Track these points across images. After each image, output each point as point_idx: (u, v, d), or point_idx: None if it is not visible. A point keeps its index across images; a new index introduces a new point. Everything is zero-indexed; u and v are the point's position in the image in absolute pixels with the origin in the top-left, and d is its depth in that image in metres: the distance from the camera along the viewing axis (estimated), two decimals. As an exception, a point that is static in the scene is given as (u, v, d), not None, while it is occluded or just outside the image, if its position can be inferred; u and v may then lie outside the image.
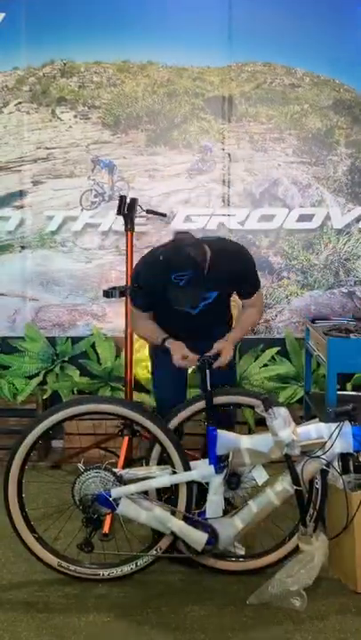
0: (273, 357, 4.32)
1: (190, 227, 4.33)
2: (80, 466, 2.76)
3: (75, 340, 4.41)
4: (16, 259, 4.40)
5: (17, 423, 4.17)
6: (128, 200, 3.69)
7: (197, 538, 2.67)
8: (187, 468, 2.73)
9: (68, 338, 4.40)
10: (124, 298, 3.68)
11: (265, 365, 4.29)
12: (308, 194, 4.35)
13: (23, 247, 4.40)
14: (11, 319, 4.44)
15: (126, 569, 2.79)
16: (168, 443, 2.75)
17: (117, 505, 2.67)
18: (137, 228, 3.80)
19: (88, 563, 2.82)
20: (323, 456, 2.64)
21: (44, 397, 4.23)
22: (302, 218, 4.35)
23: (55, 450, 4.35)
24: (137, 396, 3.99)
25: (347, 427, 2.65)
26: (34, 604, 2.64)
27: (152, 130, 4.35)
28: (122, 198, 3.68)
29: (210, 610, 2.61)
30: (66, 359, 4.36)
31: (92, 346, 4.36)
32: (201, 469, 2.71)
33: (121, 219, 3.75)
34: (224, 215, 4.34)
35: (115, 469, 2.75)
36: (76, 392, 4.25)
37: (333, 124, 4.32)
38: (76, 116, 4.37)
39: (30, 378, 4.28)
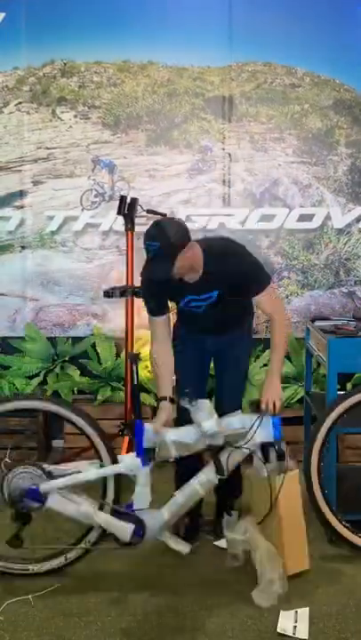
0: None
1: (191, 226, 4.32)
2: (7, 461, 2.77)
3: (75, 340, 4.41)
4: (16, 259, 4.41)
5: (17, 423, 4.17)
6: (128, 200, 3.69)
7: (124, 529, 2.71)
8: (114, 460, 2.78)
9: (68, 338, 4.40)
10: (124, 298, 3.68)
11: (265, 365, 4.28)
12: (309, 194, 4.35)
13: (23, 247, 4.40)
14: (11, 319, 4.44)
15: (55, 562, 2.82)
16: (95, 436, 2.81)
17: (46, 499, 2.69)
18: (137, 228, 3.80)
19: (17, 558, 2.84)
20: (245, 446, 2.71)
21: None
22: (303, 218, 4.35)
23: (55, 449, 4.35)
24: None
25: (267, 417, 2.75)
26: (35, 604, 2.63)
27: (152, 130, 4.35)
28: (122, 198, 3.69)
29: (210, 610, 2.61)
30: (66, 359, 4.36)
31: (93, 346, 4.36)
32: (128, 462, 2.75)
33: (121, 218, 3.76)
34: (224, 215, 4.34)
35: (44, 465, 2.79)
36: (76, 392, 4.25)
37: (334, 123, 4.32)
38: (76, 116, 4.37)
39: (31, 378, 4.28)
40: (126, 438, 3.67)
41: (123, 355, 4.12)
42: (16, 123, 4.36)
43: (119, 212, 3.68)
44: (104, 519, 2.73)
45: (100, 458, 2.79)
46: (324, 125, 4.32)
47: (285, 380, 4.22)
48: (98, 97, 4.36)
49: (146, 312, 2.96)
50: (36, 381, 4.25)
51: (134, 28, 4.23)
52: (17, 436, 4.17)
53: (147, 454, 2.72)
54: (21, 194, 4.37)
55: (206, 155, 4.35)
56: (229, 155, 4.35)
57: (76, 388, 4.25)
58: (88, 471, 2.76)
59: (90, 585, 2.77)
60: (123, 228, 3.74)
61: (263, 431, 2.73)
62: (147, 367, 4.30)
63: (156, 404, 4.12)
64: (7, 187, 4.37)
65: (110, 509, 2.76)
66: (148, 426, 2.75)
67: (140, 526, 2.71)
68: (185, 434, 2.76)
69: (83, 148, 4.37)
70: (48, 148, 4.36)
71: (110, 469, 2.77)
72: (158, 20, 4.22)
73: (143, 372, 4.25)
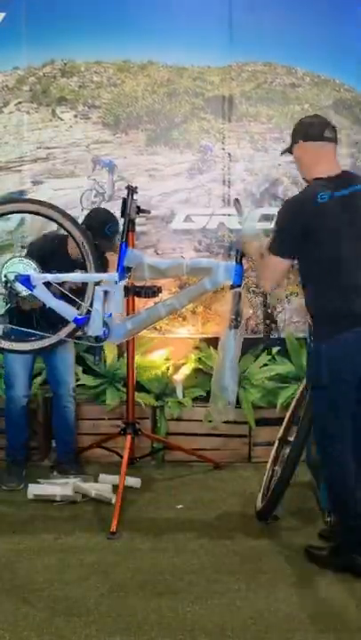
0: (273, 357, 4.32)
1: (190, 226, 4.34)
2: None
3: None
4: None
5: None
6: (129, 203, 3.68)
7: (97, 327, 3.08)
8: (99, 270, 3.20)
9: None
10: (125, 298, 3.68)
11: (265, 365, 4.29)
12: (309, 193, 4.34)
13: (23, 247, 4.39)
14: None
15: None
16: (82, 242, 3.13)
17: (35, 287, 3.06)
18: (137, 228, 3.80)
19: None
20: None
21: (46, 396, 4.23)
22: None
23: (55, 449, 4.34)
24: (137, 396, 3.99)
25: (231, 263, 3.09)
26: (34, 604, 2.64)
27: (152, 129, 4.35)
28: (125, 200, 3.68)
29: (210, 609, 2.61)
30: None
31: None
32: (107, 276, 3.16)
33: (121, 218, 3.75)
34: (224, 215, 4.34)
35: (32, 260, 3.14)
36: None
37: (334, 123, 4.31)
38: (76, 116, 4.37)
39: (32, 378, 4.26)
40: (129, 437, 3.67)
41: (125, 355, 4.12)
42: (16, 122, 4.36)
43: (122, 215, 3.68)
44: None
45: (85, 268, 3.12)
46: (324, 125, 4.31)
47: (285, 379, 4.22)
48: (98, 97, 4.36)
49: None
50: (38, 380, 4.24)
51: (134, 27, 4.23)
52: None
53: (125, 272, 3.18)
54: (21, 194, 4.37)
55: (206, 154, 4.35)
56: (229, 154, 4.35)
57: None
58: (75, 276, 3.20)
59: (90, 585, 2.78)
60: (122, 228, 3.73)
61: (225, 274, 3.08)
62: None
63: (156, 404, 4.14)
64: (7, 186, 4.37)
65: (86, 310, 3.10)
66: (130, 249, 3.24)
67: (106, 328, 3.11)
68: (160, 261, 3.29)
69: (83, 148, 4.37)
70: (48, 148, 4.36)
71: (91, 277, 3.12)
72: (158, 19, 4.22)
73: (145, 373, 4.26)
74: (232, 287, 3.29)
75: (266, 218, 4.35)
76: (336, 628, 2.49)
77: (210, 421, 3.45)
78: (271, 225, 4.32)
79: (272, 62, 4.32)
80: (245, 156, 4.34)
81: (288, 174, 4.35)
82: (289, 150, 2.94)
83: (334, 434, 2.80)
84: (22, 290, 3.10)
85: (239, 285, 3.17)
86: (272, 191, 4.35)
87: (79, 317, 3.26)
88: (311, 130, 2.80)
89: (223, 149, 4.34)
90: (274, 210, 4.34)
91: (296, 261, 2.83)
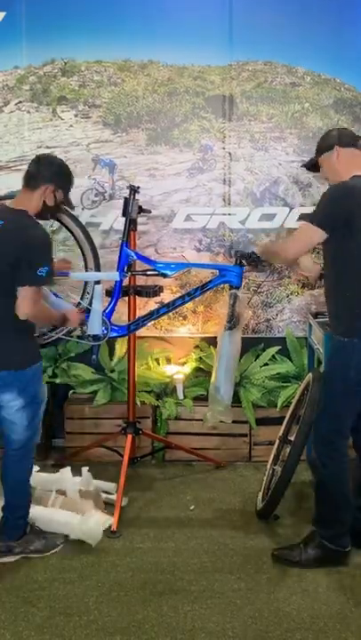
0: (274, 356, 4.32)
1: (191, 225, 4.34)
2: None
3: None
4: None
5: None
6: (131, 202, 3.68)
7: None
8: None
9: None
10: (126, 298, 3.68)
11: (265, 364, 4.29)
12: (309, 193, 4.34)
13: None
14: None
15: None
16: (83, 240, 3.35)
17: None
18: (138, 228, 3.80)
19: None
20: None
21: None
22: (303, 217, 4.34)
23: (56, 449, 4.35)
24: (138, 396, 4.00)
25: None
26: (35, 603, 2.64)
27: (153, 129, 4.35)
28: (126, 200, 3.68)
29: (210, 609, 2.61)
30: (73, 355, 4.33)
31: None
32: (112, 274, 3.44)
33: (121, 217, 3.75)
34: (225, 214, 4.33)
35: None
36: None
37: (334, 123, 4.31)
38: (76, 115, 4.37)
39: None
40: (129, 437, 3.67)
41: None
42: (16, 122, 4.36)
43: (124, 214, 3.68)
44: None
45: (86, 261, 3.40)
46: (324, 124, 4.31)
47: (286, 379, 4.22)
48: (98, 96, 4.36)
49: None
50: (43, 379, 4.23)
51: (135, 27, 4.22)
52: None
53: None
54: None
55: (207, 154, 4.34)
56: (230, 154, 4.34)
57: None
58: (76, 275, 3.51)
59: (90, 584, 2.78)
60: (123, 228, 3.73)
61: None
62: (146, 364, 4.32)
63: (155, 405, 4.15)
64: (8, 186, 4.36)
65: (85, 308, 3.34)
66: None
67: (105, 327, 3.36)
68: None
69: (83, 148, 4.36)
70: (48, 148, 4.35)
71: (92, 275, 3.47)
72: (159, 19, 4.21)
73: (145, 372, 4.26)
74: (231, 288, 3.32)
75: (266, 218, 4.36)
76: (336, 628, 2.50)
77: (210, 420, 3.45)
78: (271, 224, 4.35)
79: (272, 61, 4.31)
80: (246, 156, 4.33)
81: (288, 174, 4.34)
82: (313, 164, 3.05)
83: (343, 431, 2.89)
84: None
85: (238, 287, 3.23)
86: (272, 190, 4.34)
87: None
88: (346, 138, 2.93)
89: (224, 149, 4.34)
90: (274, 209, 4.35)
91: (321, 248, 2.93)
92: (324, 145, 2.97)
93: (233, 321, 3.31)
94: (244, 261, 3.38)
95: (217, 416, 3.39)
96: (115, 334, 3.43)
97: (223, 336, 3.33)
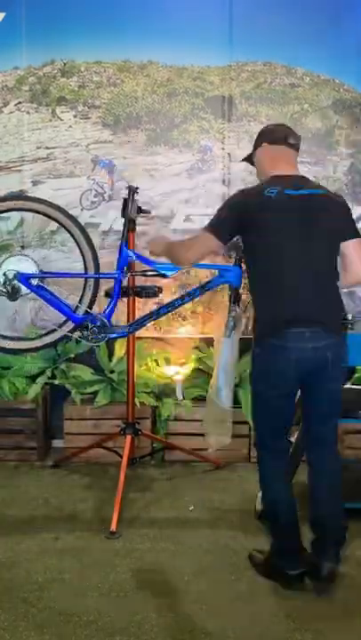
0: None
1: (190, 226, 4.34)
2: None
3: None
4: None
5: (17, 423, 4.18)
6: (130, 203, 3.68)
7: None
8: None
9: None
10: (125, 298, 3.68)
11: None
12: (309, 193, 4.34)
13: (23, 247, 4.39)
14: (11, 319, 4.43)
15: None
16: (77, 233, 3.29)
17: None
18: (137, 228, 3.80)
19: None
20: None
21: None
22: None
23: (56, 449, 4.35)
24: (138, 397, 3.99)
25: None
26: (35, 604, 2.64)
27: (152, 129, 4.35)
28: (125, 200, 3.68)
29: (210, 609, 2.61)
30: (72, 355, 4.33)
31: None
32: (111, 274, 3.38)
33: (120, 218, 3.75)
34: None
35: None
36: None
37: (333, 123, 4.33)
38: (76, 116, 4.37)
39: (33, 378, 4.27)
40: (129, 437, 3.67)
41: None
42: (16, 122, 4.36)
43: (123, 215, 3.68)
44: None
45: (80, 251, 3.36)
46: (323, 125, 4.32)
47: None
48: (98, 97, 4.36)
49: None
50: (42, 379, 4.24)
51: (134, 27, 4.23)
52: (17, 435, 4.18)
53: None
54: (21, 193, 4.37)
55: (206, 154, 4.35)
56: (229, 154, 4.35)
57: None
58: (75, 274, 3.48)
59: (90, 585, 2.78)
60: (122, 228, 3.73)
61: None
62: (146, 365, 4.32)
63: (156, 404, 4.14)
64: (7, 186, 4.37)
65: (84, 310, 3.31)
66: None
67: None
68: None
69: (82, 148, 4.37)
70: (48, 148, 4.36)
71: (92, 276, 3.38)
72: (158, 19, 4.22)
73: (144, 372, 4.26)
74: (230, 288, 3.32)
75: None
76: (335, 628, 2.49)
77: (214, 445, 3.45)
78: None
79: (272, 62, 4.32)
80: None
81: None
82: (250, 159, 2.97)
83: (266, 441, 2.84)
84: (21, 288, 3.12)
85: (238, 287, 3.23)
86: (272, 191, 4.34)
87: (77, 316, 3.29)
88: (275, 134, 2.83)
89: (223, 149, 4.34)
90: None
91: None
92: (256, 141, 2.91)
93: (232, 324, 3.31)
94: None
95: (221, 441, 3.38)
96: (114, 335, 3.43)
97: (222, 342, 3.31)
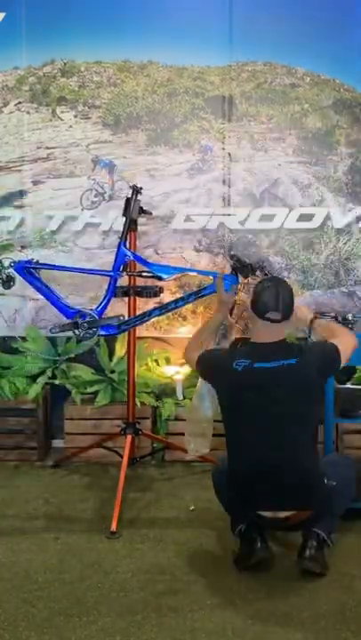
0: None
1: (191, 226, 4.34)
2: None
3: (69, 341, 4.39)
4: (16, 258, 4.38)
5: (17, 423, 4.18)
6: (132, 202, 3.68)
7: None
8: None
9: (69, 338, 4.38)
10: (126, 298, 3.68)
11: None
12: (309, 193, 4.35)
13: (23, 247, 4.40)
14: (11, 319, 4.43)
15: None
16: None
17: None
18: (138, 228, 3.80)
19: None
20: None
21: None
22: (303, 217, 4.35)
23: (56, 449, 4.35)
24: (138, 397, 3.99)
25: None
26: (35, 604, 2.64)
27: (152, 129, 4.35)
28: (128, 200, 3.68)
29: (210, 610, 2.61)
30: (72, 355, 4.33)
31: (97, 344, 4.35)
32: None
33: (121, 217, 3.75)
34: (224, 215, 4.34)
35: None
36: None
37: (334, 123, 4.32)
38: (76, 116, 4.37)
39: (34, 378, 4.27)
40: (129, 437, 3.67)
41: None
42: (16, 122, 4.36)
43: (125, 214, 3.68)
44: None
45: None
46: (324, 125, 4.32)
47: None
48: (98, 97, 4.36)
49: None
50: (43, 379, 4.24)
51: (134, 27, 4.23)
52: (17, 435, 4.18)
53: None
54: (21, 193, 4.37)
55: (206, 154, 4.35)
56: (229, 154, 4.34)
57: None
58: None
59: (90, 585, 2.78)
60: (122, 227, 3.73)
61: None
62: (146, 365, 4.32)
63: (155, 404, 4.14)
64: (7, 186, 4.37)
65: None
66: None
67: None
68: None
69: (83, 148, 4.37)
70: (48, 148, 4.36)
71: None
72: (158, 19, 4.22)
73: (145, 372, 4.26)
74: None
75: (266, 218, 4.36)
76: (336, 628, 2.49)
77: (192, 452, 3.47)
78: (271, 225, 4.35)
79: (272, 62, 4.32)
80: (245, 156, 4.34)
81: (288, 174, 4.35)
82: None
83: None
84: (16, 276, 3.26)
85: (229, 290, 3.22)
86: (272, 191, 4.35)
87: (69, 311, 3.32)
88: (257, 307, 2.84)
89: (223, 149, 4.34)
90: (274, 210, 4.35)
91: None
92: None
93: (222, 337, 3.31)
94: (238, 273, 3.33)
95: (199, 449, 3.39)
96: (103, 333, 3.43)
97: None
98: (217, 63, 4.29)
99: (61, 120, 4.37)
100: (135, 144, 4.36)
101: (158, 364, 4.37)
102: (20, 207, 4.38)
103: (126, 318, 3.51)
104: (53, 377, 4.29)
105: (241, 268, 3.30)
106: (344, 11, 4.25)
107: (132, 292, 3.64)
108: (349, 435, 3.97)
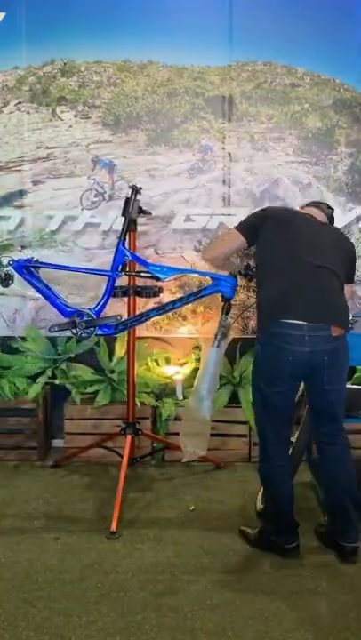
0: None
1: (191, 226, 4.34)
2: None
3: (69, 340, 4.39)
4: (16, 258, 4.39)
5: (17, 423, 4.18)
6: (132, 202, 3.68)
7: None
8: None
9: (69, 338, 4.39)
10: (125, 298, 3.68)
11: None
12: (309, 193, 4.34)
13: (23, 247, 4.39)
14: (11, 319, 4.43)
15: None
16: None
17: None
18: (137, 228, 3.80)
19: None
20: None
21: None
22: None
23: (56, 449, 4.35)
24: (138, 397, 3.99)
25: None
26: (34, 604, 2.64)
27: (152, 129, 4.35)
28: (127, 200, 3.68)
29: (210, 610, 2.61)
30: (72, 355, 4.33)
31: (98, 344, 4.35)
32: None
33: (120, 217, 3.75)
34: (224, 215, 4.34)
35: None
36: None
37: (334, 123, 4.32)
38: (76, 116, 4.37)
39: (34, 378, 4.27)
40: (129, 437, 3.67)
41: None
42: (16, 122, 4.36)
43: (124, 214, 3.68)
44: None
45: None
46: (324, 125, 4.32)
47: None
48: (98, 96, 4.36)
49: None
50: (43, 379, 4.23)
51: (134, 27, 4.23)
52: (17, 435, 4.18)
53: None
54: (21, 193, 4.37)
55: (206, 154, 4.35)
56: (229, 154, 4.34)
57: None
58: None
59: (90, 585, 2.78)
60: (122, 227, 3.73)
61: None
62: (146, 365, 4.32)
63: (155, 404, 4.14)
64: (7, 186, 4.37)
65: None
66: None
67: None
68: None
69: (83, 148, 4.37)
70: (48, 148, 4.36)
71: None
72: (158, 19, 4.22)
73: (144, 372, 4.26)
74: (223, 299, 3.28)
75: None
76: (336, 628, 2.50)
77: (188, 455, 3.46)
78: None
79: (272, 62, 4.32)
80: (245, 156, 4.34)
81: (288, 174, 4.35)
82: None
83: (267, 437, 3.02)
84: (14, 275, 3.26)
85: (230, 299, 3.29)
86: (272, 191, 4.35)
87: (67, 310, 3.32)
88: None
89: (223, 149, 4.34)
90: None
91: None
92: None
93: (221, 336, 3.30)
94: (237, 275, 3.34)
95: (195, 451, 3.38)
96: (100, 332, 3.43)
97: (210, 352, 3.29)
98: (217, 63, 4.29)
99: (61, 120, 4.37)
100: (135, 144, 4.36)
101: (158, 364, 4.37)
102: (20, 207, 4.37)
103: (124, 318, 3.51)
104: (53, 377, 4.29)
105: (241, 268, 3.32)
106: (344, 11, 4.24)
107: (131, 291, 3.64)
108: (349, 435, 3.96)
